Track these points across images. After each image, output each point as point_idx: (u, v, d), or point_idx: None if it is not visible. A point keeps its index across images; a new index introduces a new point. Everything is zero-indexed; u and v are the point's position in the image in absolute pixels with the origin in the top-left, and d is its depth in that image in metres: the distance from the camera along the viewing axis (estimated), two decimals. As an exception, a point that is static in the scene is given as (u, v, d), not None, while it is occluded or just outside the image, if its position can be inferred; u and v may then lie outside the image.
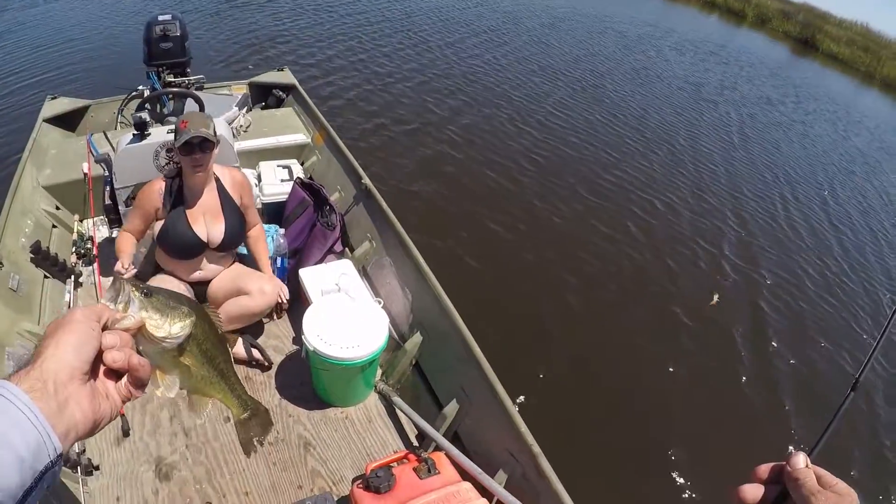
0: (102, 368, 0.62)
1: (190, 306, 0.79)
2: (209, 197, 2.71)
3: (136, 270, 2.57)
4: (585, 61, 11.88)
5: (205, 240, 2.70)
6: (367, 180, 3.51)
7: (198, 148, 2.52)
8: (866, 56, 24.00)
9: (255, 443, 1.18)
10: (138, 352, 0.68)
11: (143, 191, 2.66)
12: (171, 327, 0.74)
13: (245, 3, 11.64)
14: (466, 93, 8.44)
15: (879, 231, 7.34)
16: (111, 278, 3.18)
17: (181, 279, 2.79)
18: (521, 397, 3.57)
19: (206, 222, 2.70)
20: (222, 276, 2.86)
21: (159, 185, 2.66)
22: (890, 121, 15.08)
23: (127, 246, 2.64)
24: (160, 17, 4.13)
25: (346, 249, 3.44)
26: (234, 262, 2.92)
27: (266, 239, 3.02)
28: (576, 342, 4.24)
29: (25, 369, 0.54)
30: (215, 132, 2.56)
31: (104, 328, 0.63)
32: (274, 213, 3.61)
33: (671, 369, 4.22)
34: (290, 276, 3.21)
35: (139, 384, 0.64)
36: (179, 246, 2.69)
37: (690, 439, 3.72)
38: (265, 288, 2.76)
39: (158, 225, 2.67)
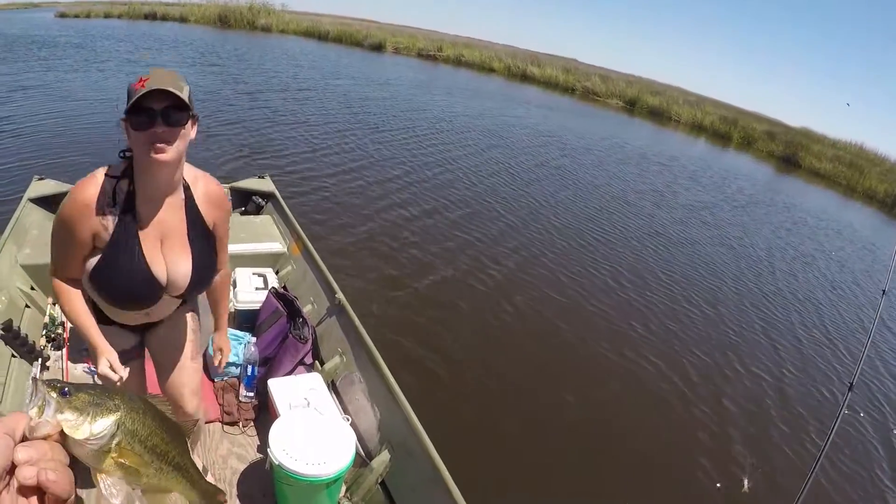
0: (16, 485, 0.58)
1: (123, 400, 0.74)
2: (173, 213, 1.90)
3: (126, 372, 1.91)
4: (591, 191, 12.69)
5: (163, 282, 1.92)
6: (340, 295, 3.74)
7: (160, 117, 1.66)
8: (849, 171, 27.14)
9: None
10: (72, 458, 0.66)
11: (69, 204, 1.77)
12: (92, 426, 0.68)
13: (234, 108, 12.67)
14: (448, 211, 9.01)
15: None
16: (79, 366, 3.31)
17: (123, 326, 2.10)
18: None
19: (167, 253, 1.91)
20: (167, 338, 2.26)
21: (93, 193, 1.75)
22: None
23: (91, 320, 1.92)
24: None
25: (317, 362, 3.62)
26: (189, 310, 2.30)
27: (230, 290, 2.71)
28: (551, 471, 4.34)
29: None
30: (191, 100, 1.75)
31: (24, 440, 0.61)
32: (247, 320, 3.82)
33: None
34: (258, 386, 3.36)
35: (59, 500, 0.60)
36: (124, 292, 1.89)
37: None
38: (191, 403, 2.38)
39: (93, 259, 1.83)
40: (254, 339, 3.58)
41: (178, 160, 1.77)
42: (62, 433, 0.65)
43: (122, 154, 1.83)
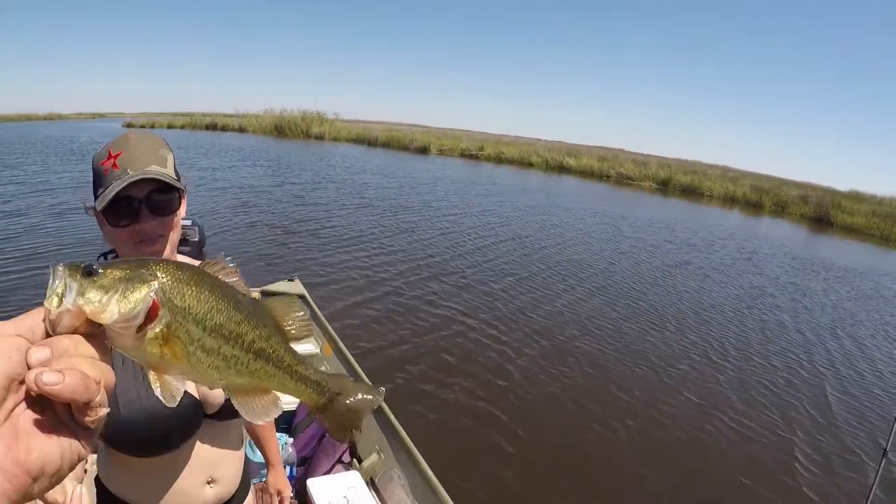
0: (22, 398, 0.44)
1: (167, 269, 0.53)
2: None
3: None
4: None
5: (198, 398, 1.36)
6: None
7: (144, 206, 1.24)
8: (882, 222, 27.68)
9: (352, 431, 0.77)
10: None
11: None
12: (121, 304, 0.48)
13: (260, 213, 13.21)
14: (474, 305, 8.80)
15: None
16: None
17: None
18: None
19: None
20: None
21: None
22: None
23: None
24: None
25: (354, 460, 3.54)
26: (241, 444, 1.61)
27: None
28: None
29: None
30: (177, 172, 1.35)
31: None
32: (284, 421, 3.78)
33: None
34: (297, 486, 3.27)
35: (84, 407, 0.45)
36: (146, 426, 1.25)
37: None
38: None
39: None
40: (291, 440, 3.55)
41: (171, 255, 1.37)
42: (94, 323, 0.48)
43: (102, 259, 1.30)
